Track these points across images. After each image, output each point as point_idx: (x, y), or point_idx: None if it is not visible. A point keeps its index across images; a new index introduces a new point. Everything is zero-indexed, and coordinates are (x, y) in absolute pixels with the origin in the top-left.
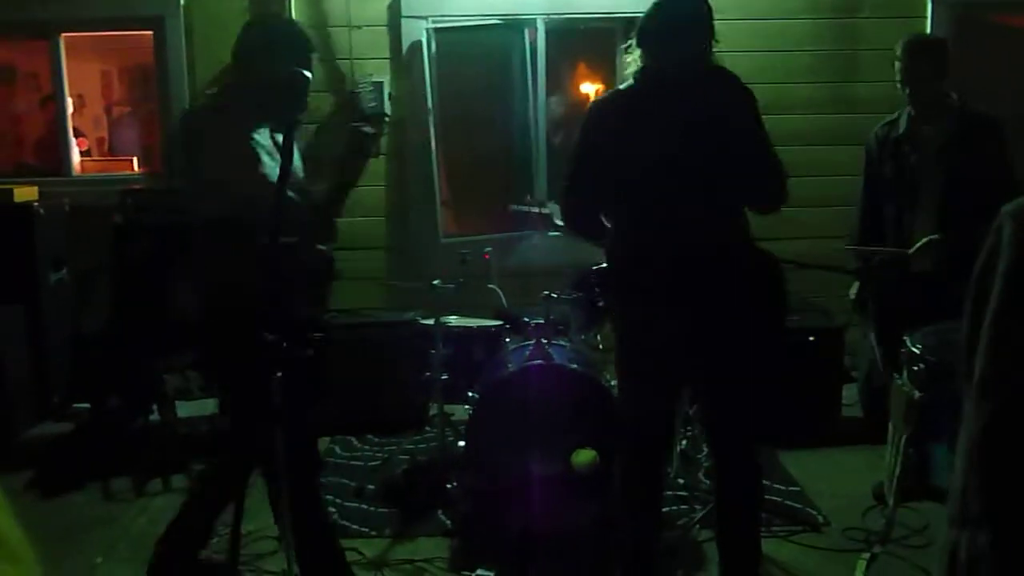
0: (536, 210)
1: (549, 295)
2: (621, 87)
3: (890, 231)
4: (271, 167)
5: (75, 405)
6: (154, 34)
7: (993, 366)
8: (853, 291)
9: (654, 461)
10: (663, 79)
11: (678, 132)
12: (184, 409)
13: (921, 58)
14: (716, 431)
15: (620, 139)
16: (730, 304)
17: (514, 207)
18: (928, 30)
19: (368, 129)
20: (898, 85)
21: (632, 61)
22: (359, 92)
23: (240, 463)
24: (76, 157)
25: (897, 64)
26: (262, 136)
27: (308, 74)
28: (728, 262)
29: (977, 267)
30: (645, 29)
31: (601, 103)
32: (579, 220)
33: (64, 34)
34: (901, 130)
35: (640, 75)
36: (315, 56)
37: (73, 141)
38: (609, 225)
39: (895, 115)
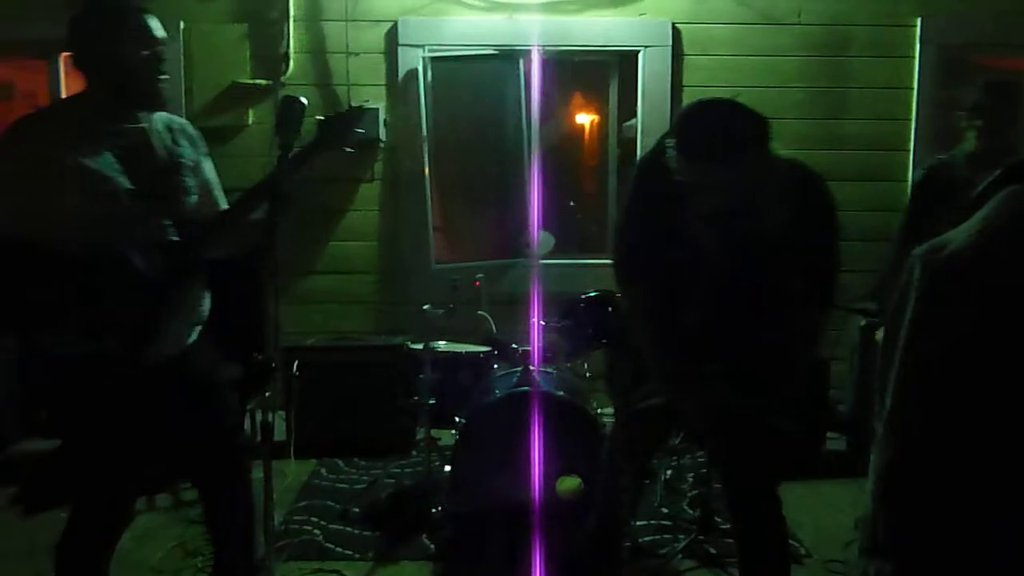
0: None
1: (538, 322)
2: (670, 156)
3: None
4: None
5: None
6: None
7: (900, 403)
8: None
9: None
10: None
11: (715, 235)
12: None
13: (1007, 101)
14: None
15: (668, 213)
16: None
17: None
18: (916, 70)
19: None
20: (968, 125)
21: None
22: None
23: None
24: None
25: (974, 104)
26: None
27: (304, 100)
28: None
29: (891, 306)
30: (681, 141)
31: (651, 166)
32: (630, 274)
33: (64, 54)
34: (962, 170)
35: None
36: (153, 28)
37: None
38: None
39: (946, 155)
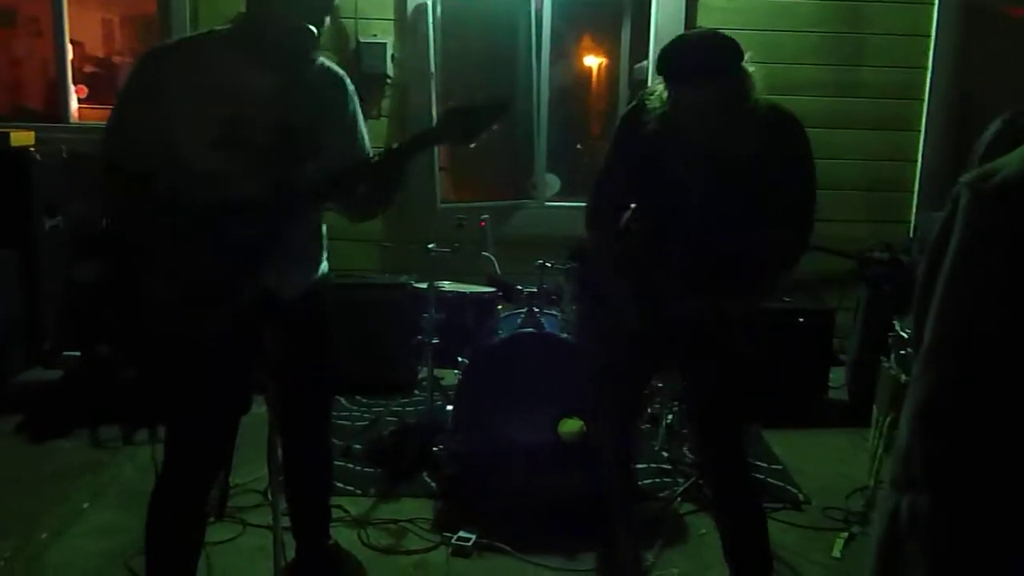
0: None
1: (543, 264)
2: (651, 106)
3: None
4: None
5: (66, 352)
6: None
7: (941, 334)
8: None
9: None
10: (689, 116)
11: (698, 171)
12: None
13: None
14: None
15: (645, 163)
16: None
17: None
18: (935, 18)
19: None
20: None
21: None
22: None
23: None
24: (75, 104)
25: None
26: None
27: (314, 29)
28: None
29: (933, 236)
30: (669, 69)
31: (632, 118)
32: (598, 221)
33: None
34: None
35: (669, 107)
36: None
37: (72, 88)
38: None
39: None
